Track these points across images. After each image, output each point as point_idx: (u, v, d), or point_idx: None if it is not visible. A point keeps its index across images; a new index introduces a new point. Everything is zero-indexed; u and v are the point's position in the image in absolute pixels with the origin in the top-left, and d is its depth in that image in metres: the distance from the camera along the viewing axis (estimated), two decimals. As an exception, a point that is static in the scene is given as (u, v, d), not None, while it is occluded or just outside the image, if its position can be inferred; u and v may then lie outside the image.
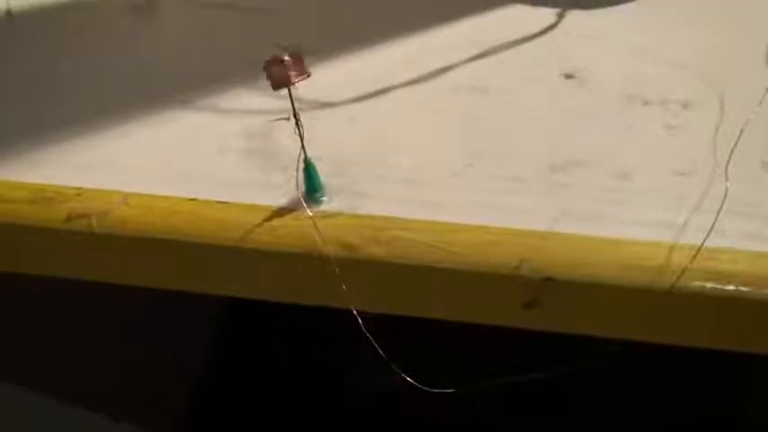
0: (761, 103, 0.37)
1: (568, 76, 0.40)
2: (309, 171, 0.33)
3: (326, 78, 0.39)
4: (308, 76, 0.31)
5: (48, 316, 0.66)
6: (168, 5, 0.46)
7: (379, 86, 0.39)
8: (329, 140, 0.36)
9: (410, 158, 0.36)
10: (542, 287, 0.32)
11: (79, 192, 0.34)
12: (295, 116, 0.32)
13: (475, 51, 0.41)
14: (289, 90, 0.31)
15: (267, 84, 0.34)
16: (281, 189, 0.34)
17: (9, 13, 0.45)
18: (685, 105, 0.38)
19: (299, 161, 0.33)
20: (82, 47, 0.43)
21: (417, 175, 0.35)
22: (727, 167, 0.34)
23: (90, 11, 0.46)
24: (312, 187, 0.33)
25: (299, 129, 0.32)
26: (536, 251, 0.32)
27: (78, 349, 0.69)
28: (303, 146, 0.32)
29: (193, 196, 0.34)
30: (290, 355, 0.90)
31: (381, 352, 0.32)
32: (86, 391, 0.69)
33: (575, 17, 0.43)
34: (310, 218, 0.32)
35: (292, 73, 0.31)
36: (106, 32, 0.44)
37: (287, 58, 0.30)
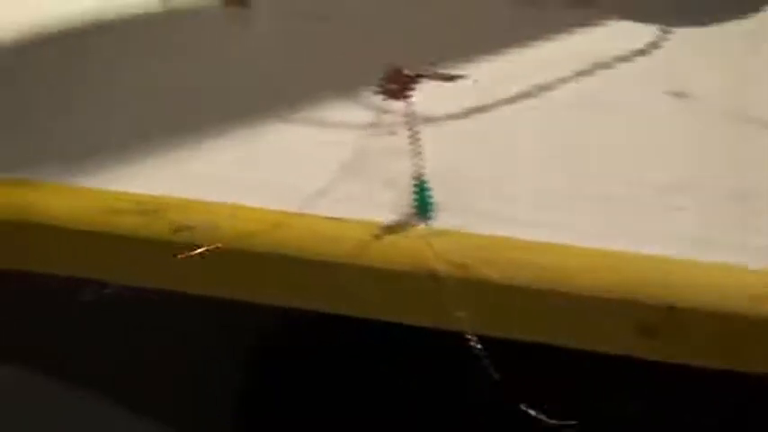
0: None
1: (675, 94, 0.39)
2: (422, 187, 0.32)
3: (428, 93, 0.38)
4: (408, 98, 0.31)
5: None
6: (265, 16, 0.46)
7: (483, 102, 0.38)
8: (435, 156, 0.35)
9: (520, 176, 0.35)
10: (663, 315, 0.31)
11: (185, 203, 0.34)
12: (411, 130, 0.31)
13: (578, 68, 0.40)
14: (406, 102, 0.30)
15: (369, 98, 0.33)
16: (390, 205, 0.33)
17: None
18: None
19: (412, 176, 0.32)
20: (181, 56, 0.43)
21: (528, 194, 0.34)
22: None
23: (185, 20, 0.46)
24: (424, 204, 0.32)
25: (415, 143, 0.31)
26: (656, 277, 0.31)
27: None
28: (418, 161, 0.32)
29: (301, 211, 0.33)
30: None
31: (497, 378, 0.31)
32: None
33: (680, 34, 0.42)
34: (423, 236, 0.32)
35: (397, 87, 0.31)
36: (204, 42, 0.44)
37: (407, 73, 0.30)
